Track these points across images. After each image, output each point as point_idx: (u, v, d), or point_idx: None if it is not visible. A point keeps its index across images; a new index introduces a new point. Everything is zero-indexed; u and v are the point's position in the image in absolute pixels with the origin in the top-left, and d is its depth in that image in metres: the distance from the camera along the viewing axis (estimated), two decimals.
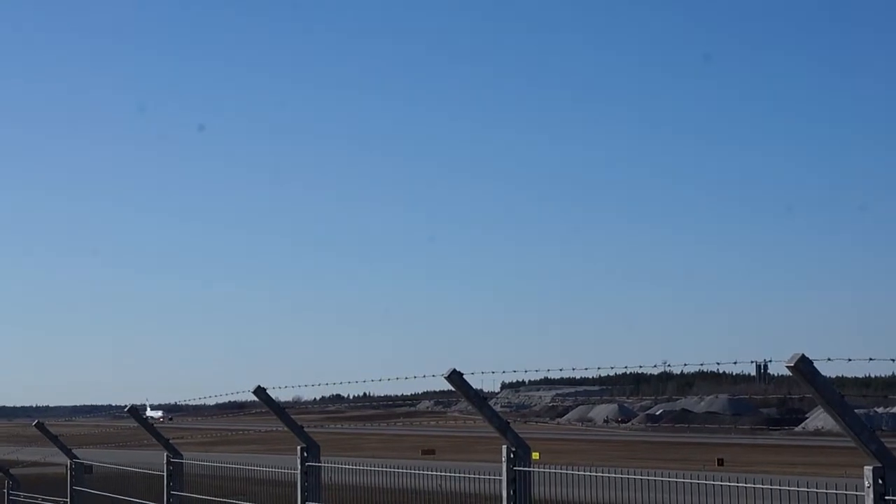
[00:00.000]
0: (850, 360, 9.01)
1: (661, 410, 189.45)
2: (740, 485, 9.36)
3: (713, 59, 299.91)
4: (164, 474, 17.69)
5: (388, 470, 13.56)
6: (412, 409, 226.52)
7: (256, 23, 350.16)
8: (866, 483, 8.11)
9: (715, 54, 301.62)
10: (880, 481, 8.08)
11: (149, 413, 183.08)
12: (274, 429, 15.70)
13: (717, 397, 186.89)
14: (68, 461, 21.20)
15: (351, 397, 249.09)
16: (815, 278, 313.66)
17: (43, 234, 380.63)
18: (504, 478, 11.32)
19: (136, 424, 17.79)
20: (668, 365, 11.70)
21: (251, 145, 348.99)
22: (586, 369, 11.29)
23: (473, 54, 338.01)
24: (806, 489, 8.78)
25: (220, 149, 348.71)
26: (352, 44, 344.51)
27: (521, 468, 11.26)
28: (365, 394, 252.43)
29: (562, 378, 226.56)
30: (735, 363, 10.46)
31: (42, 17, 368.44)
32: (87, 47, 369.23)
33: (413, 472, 13.31)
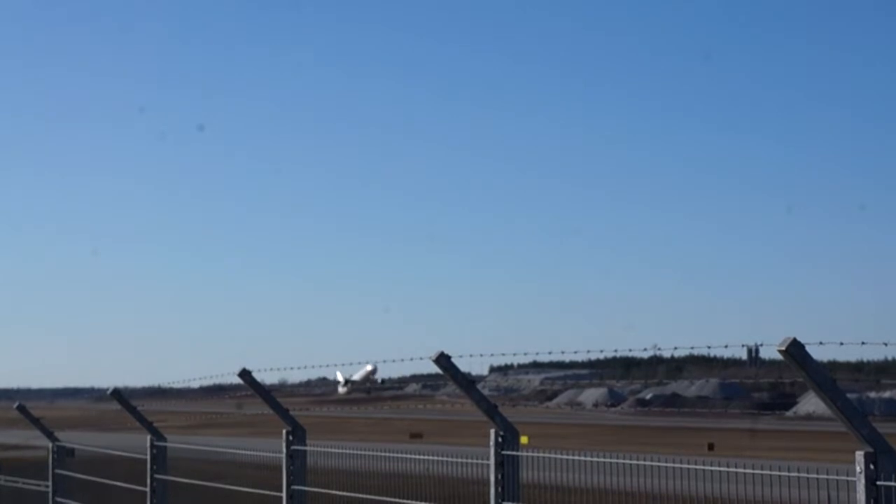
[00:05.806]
0: (841, 343, 8.89)
1: (651, 395, 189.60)
2: (731, 469, 9.28)
3: (713, 57, 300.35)
4: (148, 458, 17.57)
5: (376, 454, 13.47)
6: (399, 392, 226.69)
7: (257, 22, 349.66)
8: (858, 468, 8.07)
9: (715, 53, 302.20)
10: (872, 466, 8.04)
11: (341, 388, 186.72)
12: (259, 412, 15.58)
13: (707, 381, 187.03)
14: (50, 444, 21.05)
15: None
16: (806, 261, 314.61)
17: (41, 234, 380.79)
18: (492, 462, 11.23)
19: (118, 407, 17.67)
20: (659, 349, 11.54)
21: (251, 145, 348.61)
22: (576, 353, 11.23)
23: (472, 52, 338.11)
24: (797, 474, 8.71)
25: (220, 149, 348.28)
26: (352, 43, 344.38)
27: (509, 452, 11.17)
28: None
29: (551, 361, 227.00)
30: (726, 347, 10.17)
31: (42, 16, 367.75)
32: (88, 47, 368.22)
33: (400, 455, 13.23)
